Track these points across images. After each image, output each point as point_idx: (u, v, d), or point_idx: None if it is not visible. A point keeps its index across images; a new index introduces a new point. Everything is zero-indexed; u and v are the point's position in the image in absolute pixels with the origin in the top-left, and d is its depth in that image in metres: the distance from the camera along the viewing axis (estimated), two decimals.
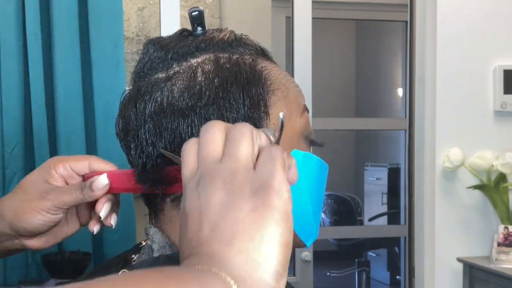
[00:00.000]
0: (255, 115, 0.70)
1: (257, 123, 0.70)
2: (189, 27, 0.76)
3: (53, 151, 1.93)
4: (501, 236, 2.31)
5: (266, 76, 0.72)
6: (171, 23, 2.21)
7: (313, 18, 2.63)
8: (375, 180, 5.86)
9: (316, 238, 0.76)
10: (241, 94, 0.69)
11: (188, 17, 0.74)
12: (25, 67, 1.90)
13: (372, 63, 6.92)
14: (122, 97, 0.75)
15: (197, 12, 0.73)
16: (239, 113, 0.69)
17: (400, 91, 5.96)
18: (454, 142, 2.41)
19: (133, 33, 3.13)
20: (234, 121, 0.68)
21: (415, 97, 2.59)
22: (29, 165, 1.91)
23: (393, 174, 5.50)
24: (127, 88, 0.75)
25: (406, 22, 3.05)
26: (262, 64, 0.73)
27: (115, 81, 1.95)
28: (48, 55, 1.93)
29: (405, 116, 3.02)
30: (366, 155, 6.79)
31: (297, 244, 0.74)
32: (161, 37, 0.75)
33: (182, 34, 0.75)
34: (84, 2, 1.95)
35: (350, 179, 6.80)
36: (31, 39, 1.88)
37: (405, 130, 3.10)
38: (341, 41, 7.04)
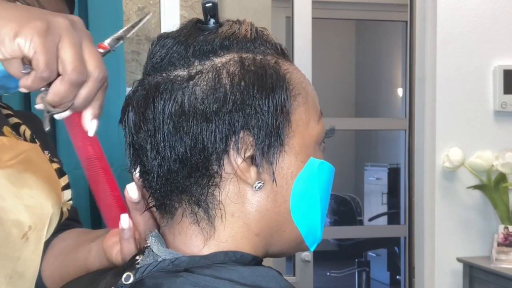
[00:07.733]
0: (278, 122, 0.68)
1: (280, 132, 0.68)
2: None
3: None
4: (501, 236, 2.31)
5: (289, 80, 0.70)
6: (171, 23, 2.22)
7: (313, 18, 2.63)
8: (375, 180, 5.86)
9: (319, 242, 0.75)
10: (266, 101, 0.67)
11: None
12: None
13: (372, 63, 6.92)
14: (133, 88, 0.71)
15: (210, 4, 0.70)
16: (263, 120, 0.67)
17: (400, 91, 5.96)
18: (454, 142, 2.41)
19: (133, 33, 3.13)
20: (259, 129, 0.67)
21: (415, 97, 2.59)
22: None
23: (393, 174, 5.50)
24: (137, 80, 0.71)
25: (406, 22, 3.05)
26: (284, 66, 0.71)
27: (115, 81, 1.95)
28: None
29: (405, 116, 3.03)
30: (366, 155, 6.79)
31: (302, 248, 0.74)
32: (174, 31, 0.72)
33: (196, 25, 0.71)
34: (84, 2, 1.94)
35: (350, 179, 6.80)
36: None
37: (405, 130, 3.10)
38: (341, 41, 7.03)
